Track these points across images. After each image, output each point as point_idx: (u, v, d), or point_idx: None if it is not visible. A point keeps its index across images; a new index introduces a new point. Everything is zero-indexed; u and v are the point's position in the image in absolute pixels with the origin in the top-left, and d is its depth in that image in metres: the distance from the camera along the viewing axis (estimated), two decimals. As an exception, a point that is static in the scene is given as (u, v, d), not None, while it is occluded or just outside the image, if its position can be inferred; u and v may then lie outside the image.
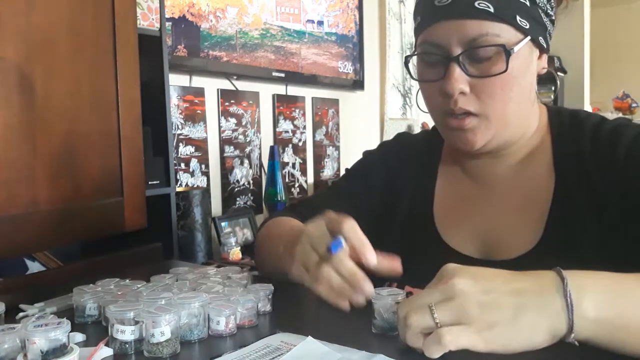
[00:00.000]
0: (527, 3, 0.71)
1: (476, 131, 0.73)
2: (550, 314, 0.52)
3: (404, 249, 0.84)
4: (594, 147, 0.74)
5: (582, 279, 0.53)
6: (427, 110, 0.80)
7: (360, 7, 2.87)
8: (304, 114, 2.58)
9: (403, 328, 0.55)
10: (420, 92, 0.81)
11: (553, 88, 3.66)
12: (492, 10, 0.69)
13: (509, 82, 0.71)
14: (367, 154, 0.98)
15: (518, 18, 0.70)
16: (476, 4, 0.69)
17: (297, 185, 2.56)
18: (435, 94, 0.75)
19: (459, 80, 0.70)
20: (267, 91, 2.38)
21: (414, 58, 0.79)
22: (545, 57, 0.77)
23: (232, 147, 2.22)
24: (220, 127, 2.17)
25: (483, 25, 0.69)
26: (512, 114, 0.73)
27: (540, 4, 0.72)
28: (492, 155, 0.79)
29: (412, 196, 0.87)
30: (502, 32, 0.69)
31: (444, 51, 0.72)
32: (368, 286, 0.60)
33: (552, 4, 0.76)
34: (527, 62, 0.73)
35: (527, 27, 0.71)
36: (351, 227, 0.63)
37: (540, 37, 0.73)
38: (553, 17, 0.76)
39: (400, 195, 0.88)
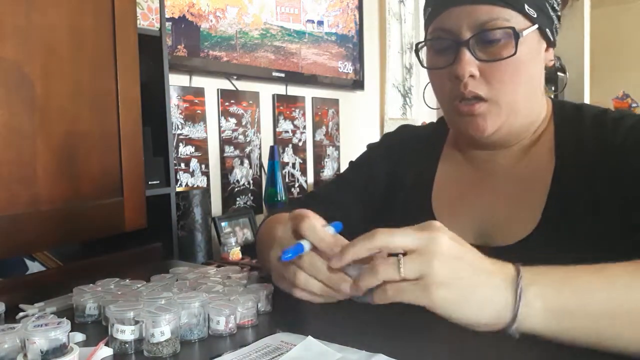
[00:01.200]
0: None
1: (486, 117, 0.74)
2: (500, 299, 0.54)
3: None
4: (596, 133, 0.75)
5: (536, 274, 0.55)
6: (432, 107, 0.82)
7: (360, 7, 2.87)
8: (304, 114, 2.58)
9: (369, 273, 0.56)
10: (427, 87, 0.83)
11: (553, 88, 3.67)
12: None
13: (517, 68, 0.73)
14: (370, 146, 0.99)
15: (526, 6, 0.72)
16: None
17: (297, 185, 2.56)
18: (445, 80, 0.76)
19: (469, 63, 0.72)
20: (267, 91, 2.38)
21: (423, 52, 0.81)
22: (552, 50, 0.78)
23: (232, 147, 2.21)
24: (220, 127, 2.17)
25: (493, 10, 0.71)
26: (521, 100, 0.75)
27: None
28: (499, 146, 0.80)
29: (413, 184, 0.89)
30: (512, 18, 0.71)
31: (454, 36, 0.73)
32: (346, 286, 0.60)
33: (559, 0, 0.78)
34: (535, 51, 0.75)
35: (535, 16, 0.73)
36: (311, 227, 0.62)
37: (547, 29, 0.75)
38: (559, 13, 0.78)
39: (402, 183, 0.90)
